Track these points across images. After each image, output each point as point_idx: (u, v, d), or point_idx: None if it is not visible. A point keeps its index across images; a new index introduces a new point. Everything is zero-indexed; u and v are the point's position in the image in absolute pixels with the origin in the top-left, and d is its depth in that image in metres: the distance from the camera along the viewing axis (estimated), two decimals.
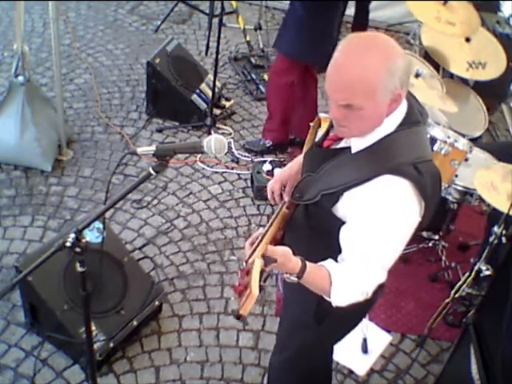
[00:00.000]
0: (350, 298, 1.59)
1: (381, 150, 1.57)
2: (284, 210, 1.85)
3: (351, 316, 1.94)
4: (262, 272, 1.42)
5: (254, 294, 1.36)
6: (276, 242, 1.86)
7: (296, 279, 1.52)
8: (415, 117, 1.63)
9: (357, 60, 1.46)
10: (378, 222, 1.52)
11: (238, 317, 1.39)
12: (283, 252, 1.49)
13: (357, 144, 1.62)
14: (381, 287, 1.84)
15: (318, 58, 3.63)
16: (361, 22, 5.00)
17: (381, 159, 1.55)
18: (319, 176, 1.66)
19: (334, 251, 1.61)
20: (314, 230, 1.74)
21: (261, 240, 1.59)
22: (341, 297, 1.57)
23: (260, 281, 1.40)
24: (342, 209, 1.60)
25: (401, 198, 1.52)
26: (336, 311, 1.81)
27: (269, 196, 1.98)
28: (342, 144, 1.70)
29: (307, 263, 1.53)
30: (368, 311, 2.06)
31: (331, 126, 1.77)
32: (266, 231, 1.67)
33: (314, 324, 1.90)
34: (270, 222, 1.75)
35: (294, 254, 1.54)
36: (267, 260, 1.44)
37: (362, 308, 1.92)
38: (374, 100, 1.48)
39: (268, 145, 4.02)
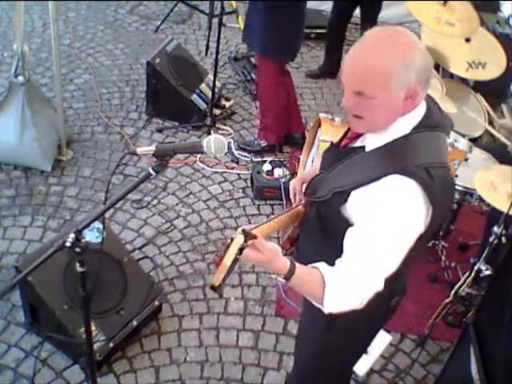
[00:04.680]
0: (343, 303, 1.51)
1: (393, 150, 1.54)
2: (300, 207, 1.85)
3: (362, 328, 1.88)
4: (241, 248, 1.41)
5: (225, 263, 1.41)
6: (292, 240, 1.89)
7: (283, 281, 1.49)
8: (433, 122, 1.59)
9: (374, 49, 1.48)
10: (381, 221, 1.47)
11: (213, 288, 1.45)
12: (272, 249, 1.45)
13: (371, 143, 1.60)
14: (396, 300, 1.84)
15: (285, 53, 3.77)
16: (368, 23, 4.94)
17: (392, 160, 1.52)
18: (332, 174, 1.65)
19: None
20: (325, 233, 1.70)
21: (257, 227, 1.58)
22: (334, 302, 1.50)
23: (237, 254, 1.41)
24: (349, 209, 1.57)
25: (406, 198, 1.47)
26: (345, 320, 1.74)
27: (291, 194, 1.97)
28: (358, 143, 1.69)
29: (297, 265, 1.48)
30: (380, 325, 1.97)
31: None
32: (266, 222, 1.67)
33: (323, 332, 1.85)
34: (273, 217, 1.74)
35: (308, 261, 1.53)
36: (247, 235, 1.41)
37: (372, 318, 1.85)
38: (386, 91, 1.47)
39: (263, 145, 4.03)
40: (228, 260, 1.41)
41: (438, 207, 1.51)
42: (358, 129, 1.63)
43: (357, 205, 1.54)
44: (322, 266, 1.52)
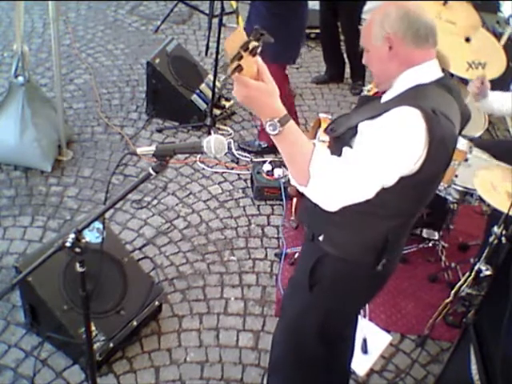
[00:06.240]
0: (327, 176, 1.53)
1: (408, 93, 1.68)
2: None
3: (344, 289, 1.97)
4: (246, 49, 1.39)
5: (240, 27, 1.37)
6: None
7: (278, 125, 1.46)
8: (449, 85, 1.73)
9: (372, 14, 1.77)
10: (381, 134, 1.57)
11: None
12: (274, 86, 1.47)
13: (387, 94, 1.77)
14: (383, 264, 1.88)
15: (287, 57, 3.78)
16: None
17: (405, 98, 1.64)
18: (350, 115, 1.84)
19: None
20: None
21: None
22: (321, 168, 1.51)
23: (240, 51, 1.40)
24: (357, 139, 1.68)
25: (408, 122, 1.57)
26: (329, 279, 1.93)
27: None
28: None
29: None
30: (365, 293, 2.06)
31: None
32: None
33: (306, 289, 1.96)
34: None
35: (314, 206, 1.63)
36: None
37: (357, 283, 1.96)
38: (371, 42, 1.73)
39: (264, 146, 4.03)
40: (230, 46, 1.35)
41: (437, 147, 1.59)
42: (376, 84, 1.86)
43: (363, 129, 1.65)
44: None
